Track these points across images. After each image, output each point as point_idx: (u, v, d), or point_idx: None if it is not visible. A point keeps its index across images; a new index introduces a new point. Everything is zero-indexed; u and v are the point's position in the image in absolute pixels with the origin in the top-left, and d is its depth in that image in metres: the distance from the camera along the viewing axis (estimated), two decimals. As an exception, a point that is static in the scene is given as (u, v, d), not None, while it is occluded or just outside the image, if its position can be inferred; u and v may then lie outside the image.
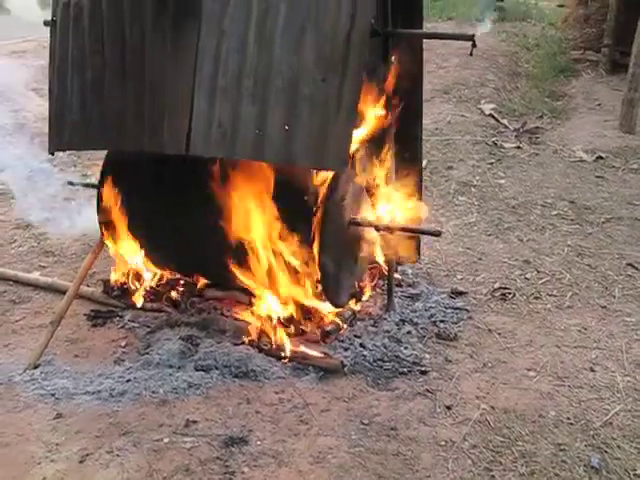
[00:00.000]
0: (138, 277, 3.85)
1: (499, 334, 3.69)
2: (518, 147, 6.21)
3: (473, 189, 5.42)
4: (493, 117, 6.95)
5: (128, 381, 3.28)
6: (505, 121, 6.88)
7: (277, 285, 3.41)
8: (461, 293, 4.03)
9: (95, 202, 3.78)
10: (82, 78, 3.12)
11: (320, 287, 3.33)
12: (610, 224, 4.88)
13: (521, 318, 3.84)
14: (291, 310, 3.47)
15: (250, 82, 2.78)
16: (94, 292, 3.92)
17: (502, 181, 5.56)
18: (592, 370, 3.42)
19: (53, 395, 3.22)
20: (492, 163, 5.91)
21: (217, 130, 2.84)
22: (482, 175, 5.66)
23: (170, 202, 3.52)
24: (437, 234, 3.46)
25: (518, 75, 8.17)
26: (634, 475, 2.80)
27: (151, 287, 3.83)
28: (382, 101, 3.30)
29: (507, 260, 4.43)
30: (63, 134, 3.24)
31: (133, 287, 3.83)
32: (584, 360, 3.49)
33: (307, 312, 3.49)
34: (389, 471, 2.81)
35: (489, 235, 4.75)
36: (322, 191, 3.20)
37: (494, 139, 6.43)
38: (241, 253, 3.41)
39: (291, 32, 2.74)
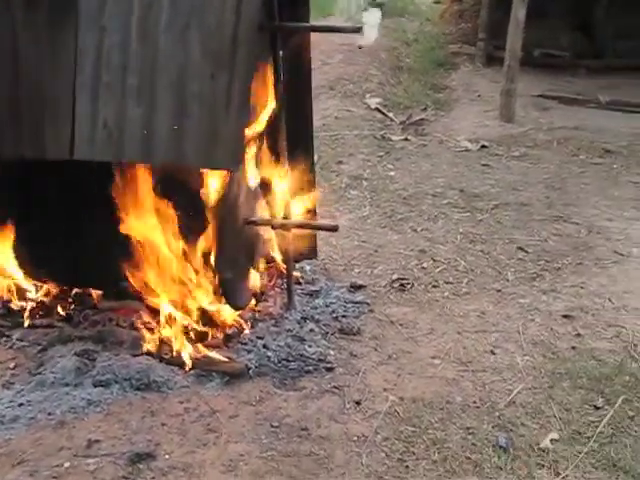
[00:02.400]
0: (24, 292, 3.62)
1: (401, 325, 3.71)
2: (406, 139, 6.31)
3: (364, 182, 5.46)
4: (379, 111, 7.04)
5: (20, 405, 3.06)
6: (391, 114, 6.98)
7: (174, 290, 3.29)
8: (360, 287, 4.03)
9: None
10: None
11: (219, 290, 3.24)
12: (498, 210, 5.03)
13: (421, 307, 3.89)
14: (190, 315, 3.36)
15: (135, 80, 2.66)
16: (-25, 312, 3.65)
17: (392, 173, 5.63)
18: (493, 353, 3.51)
19: None
20: (381, 156, 5.97)
21: (102, 131, 2.70)
22: (372, 168, 5.71)
23: (58, 209, 3.33)
24: (334, 229, 3.45)
25: (400, 69, 8.31)
26: (538, 449, 2.90)
27: (39, 302, 3.60)
28: (272, 97, 3.24)
29: (403, 251, 4.48)
30: None
31: (19, 303, 3.59)
32: (485, 344, 3.58)
33: (207, 316, 3.39)
34: (303, 472, 2.77)
35: (383, 227, 4.79)
36: (215, 191, 3.10)
37: (382, 132, 6.51)
38: (135, 260, 3.28)
39: (175, 28, 2.64)
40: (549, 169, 5.75)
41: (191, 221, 3.13)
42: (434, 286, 4.11)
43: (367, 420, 3.04)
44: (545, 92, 7.57)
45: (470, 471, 2.81)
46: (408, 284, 4.10)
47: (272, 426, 2.98)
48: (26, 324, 3.54)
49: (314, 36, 3.47)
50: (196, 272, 3.21)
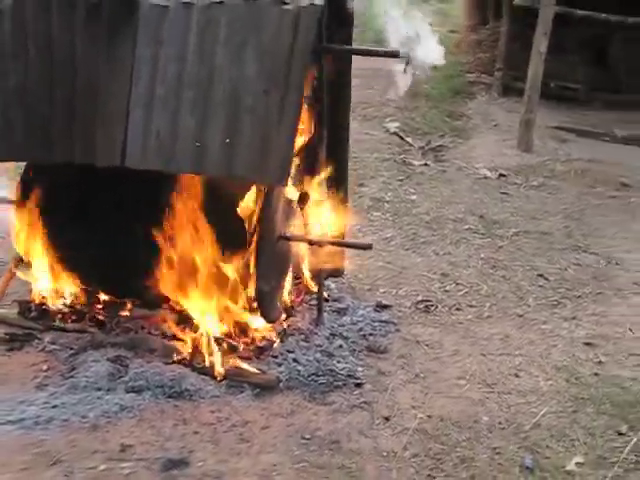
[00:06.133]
0: (58, 297, 3.66)
1: (427, 345, 3.77)
2: (426, 164, 6.39)
3: (386, 205, 5.52)
4: (398, 135, 7.12)
5: (54, 407, 3.11)
6: (409, 139, 7.07)
7: (210, 301, 3.35)
8: (386, 306, 4.08)
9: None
10: (3, 84, 2.95)
11: (255, 302, 3.30)
12: (518, 237, 5.10)
13: (446, 329, 3.94)
14: (224, 327, 3.41)
15: (190, 92, 2.74)
16: (8, 314, 3.69)
17: (413, 197, 5.70)
18: (517, 376, 3.57)
19: (-32, 427, 3.00)
20: (402, 180, 6.05)
21: (155, 141, 2.77)
22: (394, 191, 5.78)
23: (96, 219, 3.39)
24: (368, 247, 3.51)
25: (417, 96, 8.38)
26: (564, 472, 2.95)
27: (72, 307, 3.65)
28: (315, 115, 3.32)
29: (426, 273, 4.54)
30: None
31: (53, 307, 3.64)
32: (509, 367, 3.63)
33: (240, 328, 3.44)
34: (335, 484, 2.82)
35: (406, 249, 4.86)
36: (257, 205, 3.17)
37: (401, 157, 6.58)
38: (172, 269, 3.33)
39: (232, 44, 2.73)
40: (567, 200, 5.83)
41: (233, 233, 3.18)
42: (457, 309, 4.16)
43: (396, 436, 3.09)
44: (561, 124, 7.67)
45: (498, 491, 2.86)
46: (432, 306, 4.16)
47: (303, 438, 3.03)
48: (58, 328, 3.59)
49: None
50: (232, 284, 3.26)
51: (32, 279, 3.69)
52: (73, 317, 3.64)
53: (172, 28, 2.76)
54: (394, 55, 3.18)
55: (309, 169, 3.46)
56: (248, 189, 3.20)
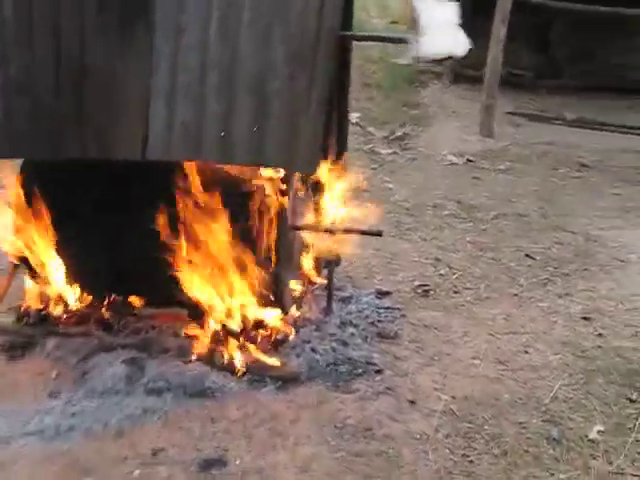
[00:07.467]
0: (59, 301, 3.51)
1: (435, 328, 3.80)
2: (395, 153, 6.45)
3: (365, 194, 5.53)
4: (359, 125, 7.16)
5: (73, 415, 2.99)
6: (371, 129, 7.11)
7: (226, 295, 3.28)
8: (386, 293, 4.10)
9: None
10: (5, 75, 2.79)
11: (272, 294, 3.25)
12: (498, 220, 5.20)
13: (449, 312, 3.98)
14: (240, 321, 3.34)
15: (215, 79, 2.66)
16: (4, 322, 3.51)
17: (390, 185, 5.74)
18: (526, 352, 3.65)
19: (-16, 442, 2.84)
20: (375, 169, 6.08)
21: (179, 131, 2.68)
22: (369, 180, 5.77)
23: (102, 215, 3.25)
24: (379, 234, 3.50)
25: (369, 86, 8.46)
26: (587, 440, 3.05)
27: (75, 310, 3.50)
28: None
29: (418, 259, 4.58)
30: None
31: (54, 312, 3.48)
32: (517, 344, 3.71)
33: (257, 321, 3.38)
34: (376, 471, 2.82)
35: (393, 236, 4.87)
36: (274, 194, 3.12)
37: (369, 146, 6.63)
38: (186, 265, 3.24)
39: (257, 28, 2.66)
40: (535, 182, 5.98)
41: (250, 223, 3.12)
42: (455, 292, 4.21)
43: (425, 419, 3.11)
44: (512, 109, 7.86)
45: (530, 463, 2.92)
46: (430, 290, 4.19)
47: (336, 427, 3.02)
48: (61, 333, 3.44)
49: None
50: (252, 276, 3.19)
51: (30, 284, 3.52)
52: (76, 320, 3.50)
53: (192, 14, 2.66)
54: (402, 41, 3.17)
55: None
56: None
